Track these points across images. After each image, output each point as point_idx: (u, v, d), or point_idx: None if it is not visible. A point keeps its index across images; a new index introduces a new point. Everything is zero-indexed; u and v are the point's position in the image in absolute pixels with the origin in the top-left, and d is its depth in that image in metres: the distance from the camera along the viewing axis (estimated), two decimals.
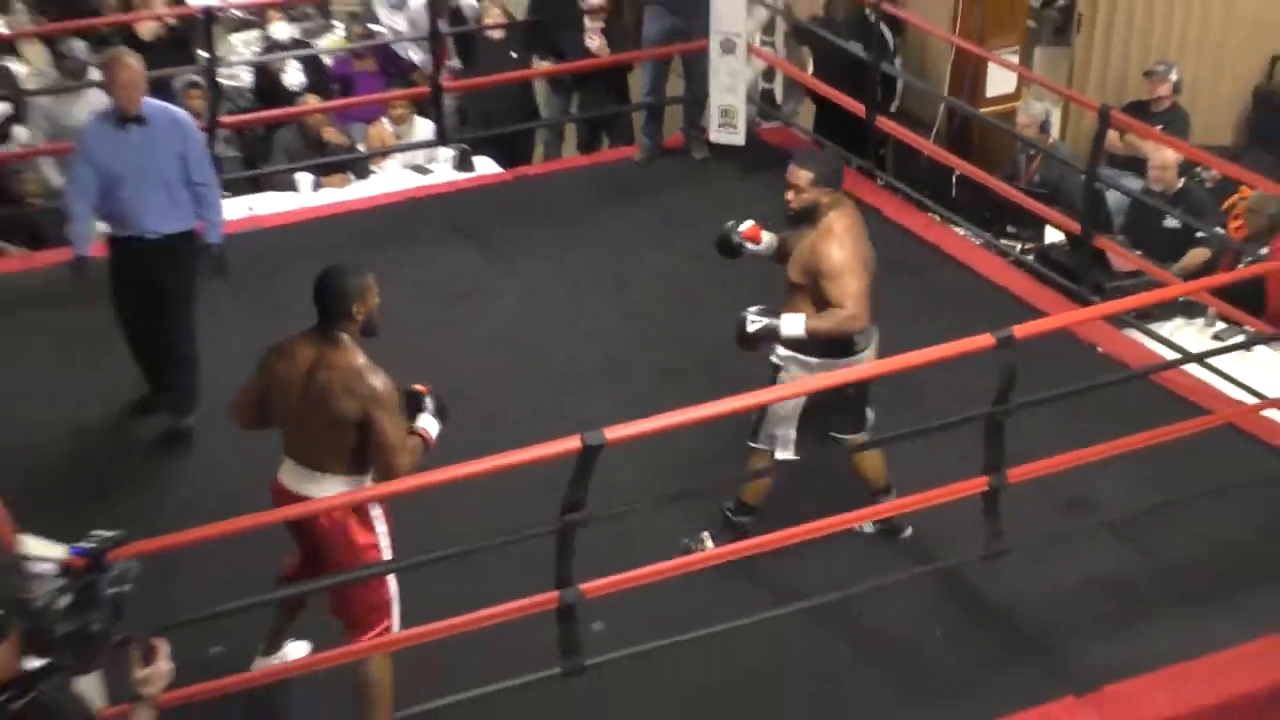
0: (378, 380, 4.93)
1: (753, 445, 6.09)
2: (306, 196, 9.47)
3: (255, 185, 9.76)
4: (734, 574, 5.75)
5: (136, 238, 6.74)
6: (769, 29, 9.91)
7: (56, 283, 8.01)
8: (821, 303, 5.83)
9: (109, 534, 3.95)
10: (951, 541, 6.09)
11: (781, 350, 5.99)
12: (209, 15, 9.01)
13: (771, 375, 6.06)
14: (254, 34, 11.97)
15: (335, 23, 12.36)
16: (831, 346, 5.87)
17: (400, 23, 11.66)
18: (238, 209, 9.09)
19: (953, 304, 7.85)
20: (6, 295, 8.12)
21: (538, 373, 7.02)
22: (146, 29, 10.31)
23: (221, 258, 6.97)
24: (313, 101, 9.99)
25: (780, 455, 6.01)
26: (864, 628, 5.90)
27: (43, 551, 4.20)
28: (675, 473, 6.28)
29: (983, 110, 9.29)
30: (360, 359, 4.99)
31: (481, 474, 4.99)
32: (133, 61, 6.66)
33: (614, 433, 5.00)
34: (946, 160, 8.78)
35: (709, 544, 6.15)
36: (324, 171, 9.69)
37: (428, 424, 5.15)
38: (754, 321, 5.90)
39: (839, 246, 5.81)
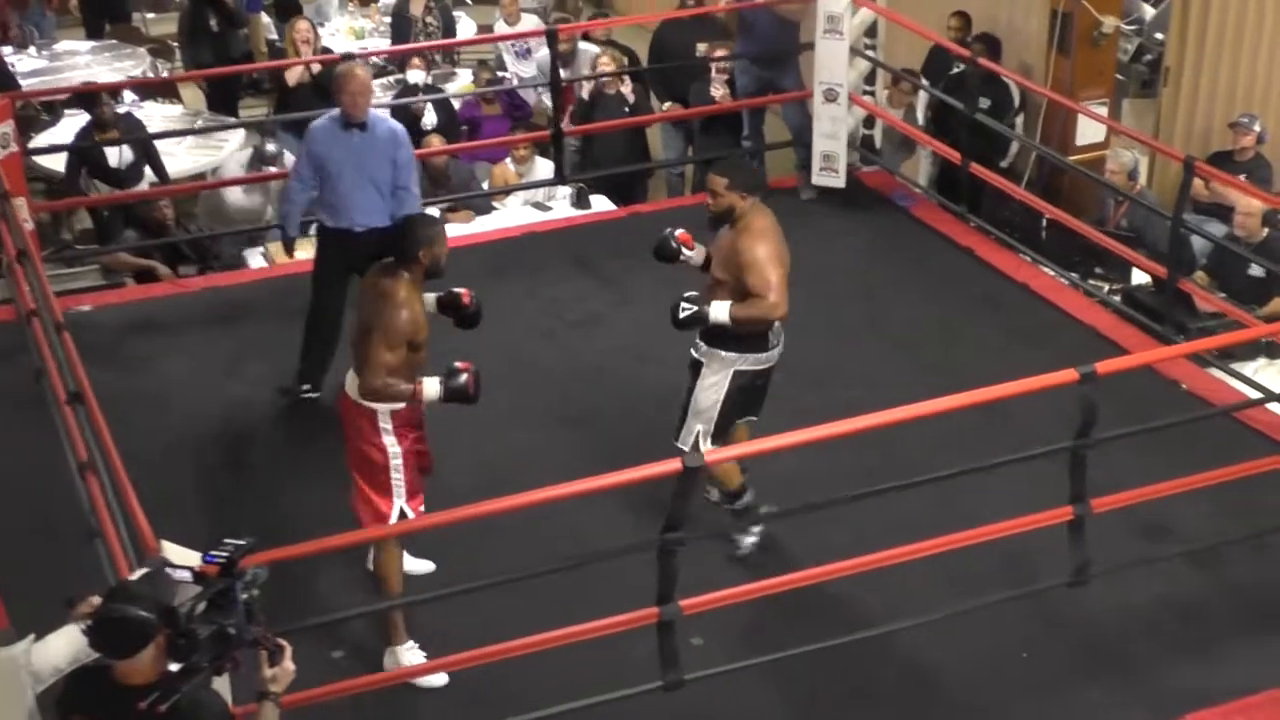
0: (395, 312, 5.29)
1: (678, 444, 6.02)
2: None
3: None
4: (823, 593, 5.62)
5: (346, 230, 7.06)
6: (870, 79, 9.81)
7: (195, 306, 8.17)
8: (743, 295, 5.87)
9: (240, 542, 3.96)
10: (1036, 564, 5.95)
11: (701, 345, 6.01)
12: (350, 59, 9.01)
13: (691, 369, 6.08)
14: (390, 79, 12.04)
15: (463, 70, 12.40)
16: (748, 341, 5.89)
17: (527, 70, 11.68)
18: None
19: (1040, 340, 7.71)
20: (151, 316, 8.17)
21: (648, 394, 6.95)
22: (291, 74, 10.40)
23: None
24: (436, 142, 10.00)
25: (705, 445, 5.97)
26: (950, 646, 5.76)
27: (181, 558, 4.20)
28: (771, 495, 6.17)
29: (1073, 159, 9.14)
30: (403, 293, 5.34)
31: (587, 492, 4.93)
32: (361, 73, 7.08)
33: (713, 455, 4.91)
34: (1037, 205, 8.63)
35: (747, 540, 6.17)
36: (450, 208, 9.70)
37: (428, 384, 5.38)
38: (685, 309, 5.94)
39: (759, 241, 5.84)
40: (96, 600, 3.90)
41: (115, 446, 5.17)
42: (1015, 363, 6.80)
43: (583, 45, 11.03)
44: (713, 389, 6.01)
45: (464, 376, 5.40)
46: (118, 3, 13.74)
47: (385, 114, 7.33)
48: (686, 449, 5.99)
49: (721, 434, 6.10)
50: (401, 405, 5.42)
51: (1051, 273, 8.48)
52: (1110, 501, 5.75)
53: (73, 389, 5.54)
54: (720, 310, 5.90)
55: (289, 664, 3.83)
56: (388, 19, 13.02)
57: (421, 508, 5.56)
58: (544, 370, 7.54)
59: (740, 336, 5.93)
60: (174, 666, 3.74)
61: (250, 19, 12.49)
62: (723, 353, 5.97)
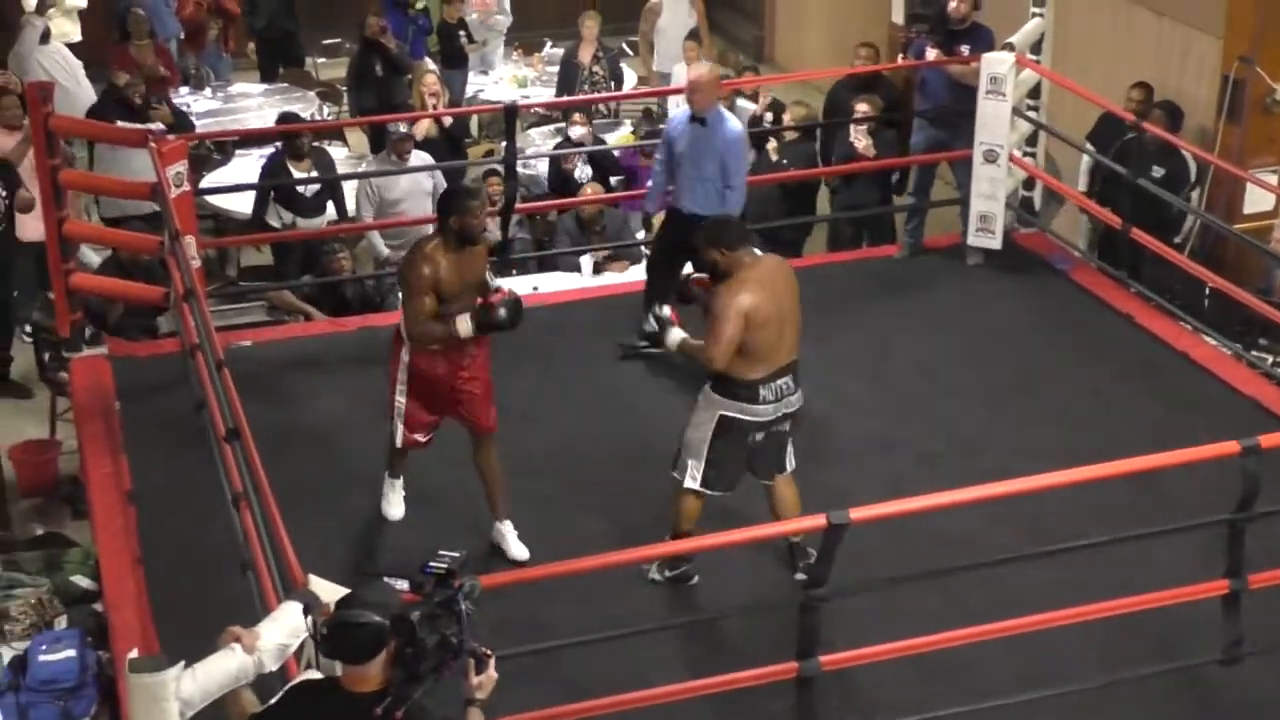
0: (416, 267, 6.09)
1: (674, 474, 6.22)
2: (587, 278, 9.57)
3: (541, 265, 9.90)
4: (966, 655, 5.55)
5: (678, 210, 7.86)
6: (1031, 140, 9.72)
7: (352, 345, 8.33)
8: None
9: (455, 554, 4.20)
10: (1190, 639, 5.82)
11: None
12: (512, 110, 9.19)
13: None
14: (549, 128, 12.20)
15: (625, 120, 12.53)
16: (736, 389, 6.01)
17: None
18: (524, 287, 9.25)
19: (1201, 410, 7.55)
20: (310, 353, 8.34)
21: (799, 445, 6.91)
22: (420, 127, 10.57)
23: None
24: (589, 191, 10.12)
25: (688, 485, 6.15)
26: (1095, 718, 5.63)
27: (327, 592, 4.28)
28: (918, 556, 6.11)
29: (1239, 227, 8.96)
30: (427, 250, 6.11)
31: (735, 543, 4.94)
32: (702, 72, 7.94)
33: (859, 513, 4.88)
34: (1200, 273, 8.46)
35: (654, 573, 6.30)
36: (606, 257, 9.79)
37: (461, 321, 6.12)
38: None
39: (733, 292, 5.95)
40: (239, 630, 4.02)
41: (269, 480, 5.28)
42: (1173, 433, 6.67)
43: (741, 102, 11.09)
44: (698, 426, 6.13)
45: (500, 311, 6.13)
46: (293, 47, 14.12)
47: (731, 116, 7.94)
48: (680, 478, 6.19)
49: (727, 483, 6.19)
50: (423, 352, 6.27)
51: (1213, 342, 8.31)
52: (1268, 578, 5.62)
53: (230, 425, 5.68)
54: (674, 336, 6.25)
55: (493, 672, 3.95)
56: (551, 68, 13.22)
57: (418, 437, 6.47)
58: (662, 413, 7.50)
59: (726, 382, 6.03)
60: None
61: (414, 65, 12.75)
62: (711, 393, 6.10)
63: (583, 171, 10.68)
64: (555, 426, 7.56)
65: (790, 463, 6.36)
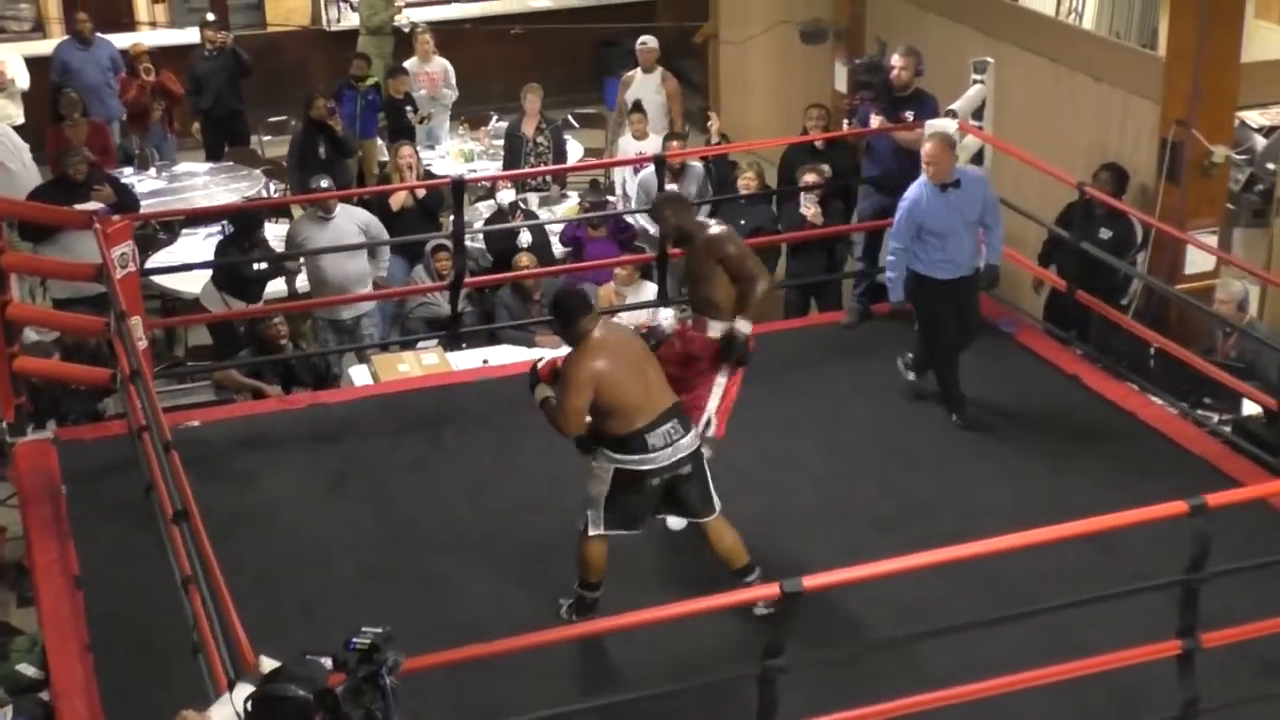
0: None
1: (577, 526, 6.40)
2: (536, 350, 9.57)
3: (490, 339, 9.91)
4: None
5: (944, 279, 8.08)
6: None
7: (302, 423, 8.29)
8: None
9: (378, 630, 4.17)
10: (1145, 699, 5.85)
11: (692, 431, 6.37)
12: (460, 184, 9.22)
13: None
14: (494, 202, 12.25)
15: (570, 192, 12.59)
16: (619, 443, 6.21)
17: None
18: (473, 360, 9.26)
19: (1149, 470, 7.59)
20: (259, 432, 8.30)
21: (752, 515, 6.92)
22: (395, 199, 10.61)
23: (995, 273, 8.29)
24: (525, 260, 10.15)
25: (591, 532, 6.32)
26: None
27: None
28: (874, 622, 6.11)
29: (1181, 288, 9.06)
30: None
31: (684, 615, 4.93)
32: (932, 146, 8.05)
33: (814, 581, 4.89)
34: (1144, 334, 8.55)
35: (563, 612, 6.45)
36: (539, 330, 9.81)
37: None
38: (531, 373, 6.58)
39: (573, 365, 6.19)
40: (190, 714, 4.02)
41: (219, 562, 5.24)
42: (1123, 494, 6.70)
43: (693, 164, 11.20)
44: (597, 481, 6.32)
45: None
46: (239, 125, 14.14)
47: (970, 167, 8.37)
48: (581, 528, 6.36)
49: (628, 522, 6.37)
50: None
51: (1160, 402, 8.38)
52: (1221, 636, 5.65)
53: (179, 507, 5.64)
54: (541, 390, 6.43)
55: None
56: (497, 141, 13.29)
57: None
58: None
59: (614, 440, 6.22)
60: None
61: (364, 144, 12.79)
62: (605, 450, 6.29)
63: (525, 237, 10.73)
64: (510, 498, 7.53)
65: (715, 504, 6.43)
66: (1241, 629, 5.71)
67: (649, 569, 6.82)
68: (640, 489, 6.28)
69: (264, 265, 10.12)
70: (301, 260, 10.14)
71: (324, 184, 10.31)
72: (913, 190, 8.10)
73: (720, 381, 6.92)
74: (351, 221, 10.15)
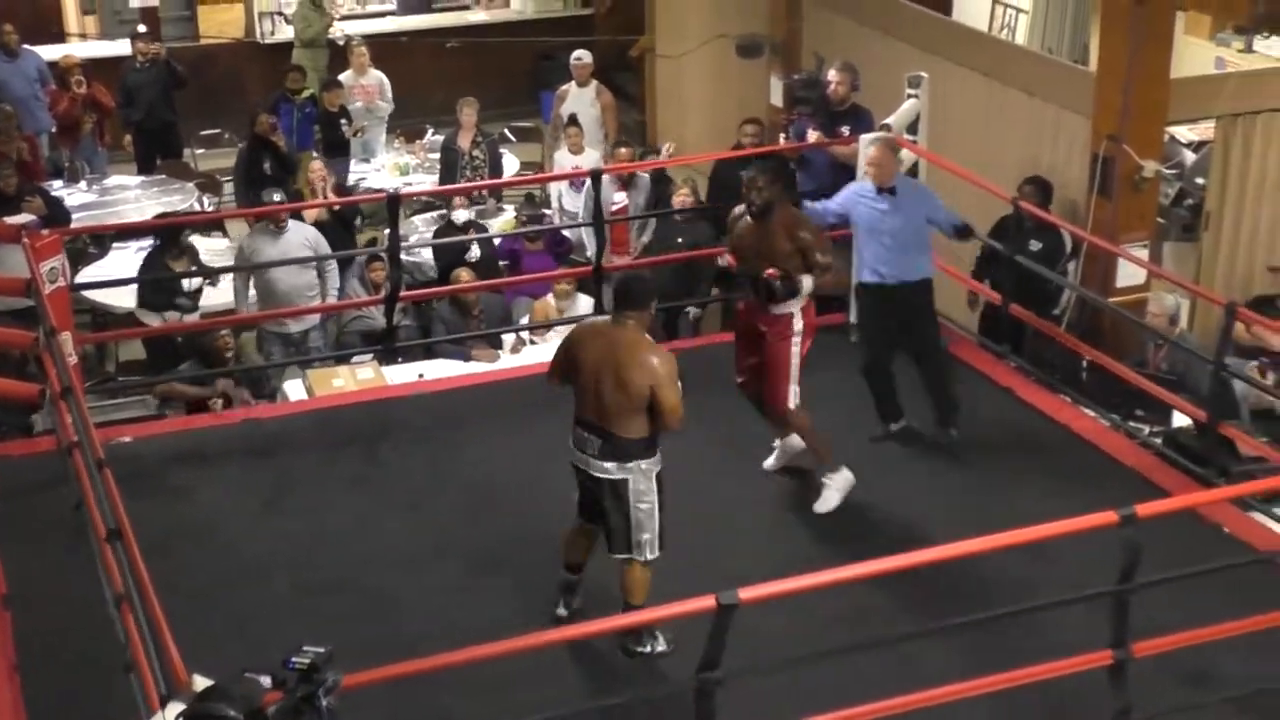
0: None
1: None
2: (472, 364, 9.59)
3: (427, 353, 9.90)
4: None
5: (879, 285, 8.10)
6: None
7: (236, 438, 8.26)
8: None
9: (319, 649, 4.16)
10: (1078, 709, 5.91)
11: (617, 463, 6.23)
12: (395, 198, 9.21)
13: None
14: (433, 215, 12.26)
15: (508, 205, 12.60)
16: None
17: (580, 202, 11.83)
18: (409, 375, 9.26)
19: (1081, 482, 7.68)
20: (192, 447, 8.26)
21: (689, 526, 6.94)
22: (309, 214, 10.61)
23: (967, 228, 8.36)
24: (465, 276, 10.16)
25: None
26: None
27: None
28: (803, 637, 6.16)
29: (1113, 300, 9.18)
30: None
31: (613, 630, 4.95)
32: (879, 150, 8.09)
33: (749, 593, 4.92)
34: (1076, 347, 8.65)
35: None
36: (475, 345, 9.82)
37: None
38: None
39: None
40: None
41: (152, 579, 5.21)
42: (1057, 505, 6.77)
43: (643, 176, 11.27)
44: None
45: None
46: (171, 138, 14.05)
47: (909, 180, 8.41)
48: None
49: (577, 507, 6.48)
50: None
51: (1092, 415, 8.48)
52: (1152, 646, 5.73)
53: (111, 525, 5.60)
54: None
55: None
56: (433, 154, 13.28)
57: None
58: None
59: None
60: None
61: (300, 156, 12.78)
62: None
63: (475, 252, 10.73)
64: (446, 513, 7.53)
65: (635, 548, 6.28)
66: (1170, 639, 5.78)
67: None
68: (580, 488, 6.41)
69: (194, 280, 10.08)
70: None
71: (276, 197, 10.32)
72: (857, 182, 8.37)
73: (795, 353, 7.23)
74: (301, 235, 10.16)
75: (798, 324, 7.27)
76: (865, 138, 9.08)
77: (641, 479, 6.22)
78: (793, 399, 7.32)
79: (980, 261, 9.77)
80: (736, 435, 8.06)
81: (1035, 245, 9.21)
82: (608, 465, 6.23)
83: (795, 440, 7.68)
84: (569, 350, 6.36)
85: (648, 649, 6.29)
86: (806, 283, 7.18)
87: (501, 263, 11.11)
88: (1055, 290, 9.40)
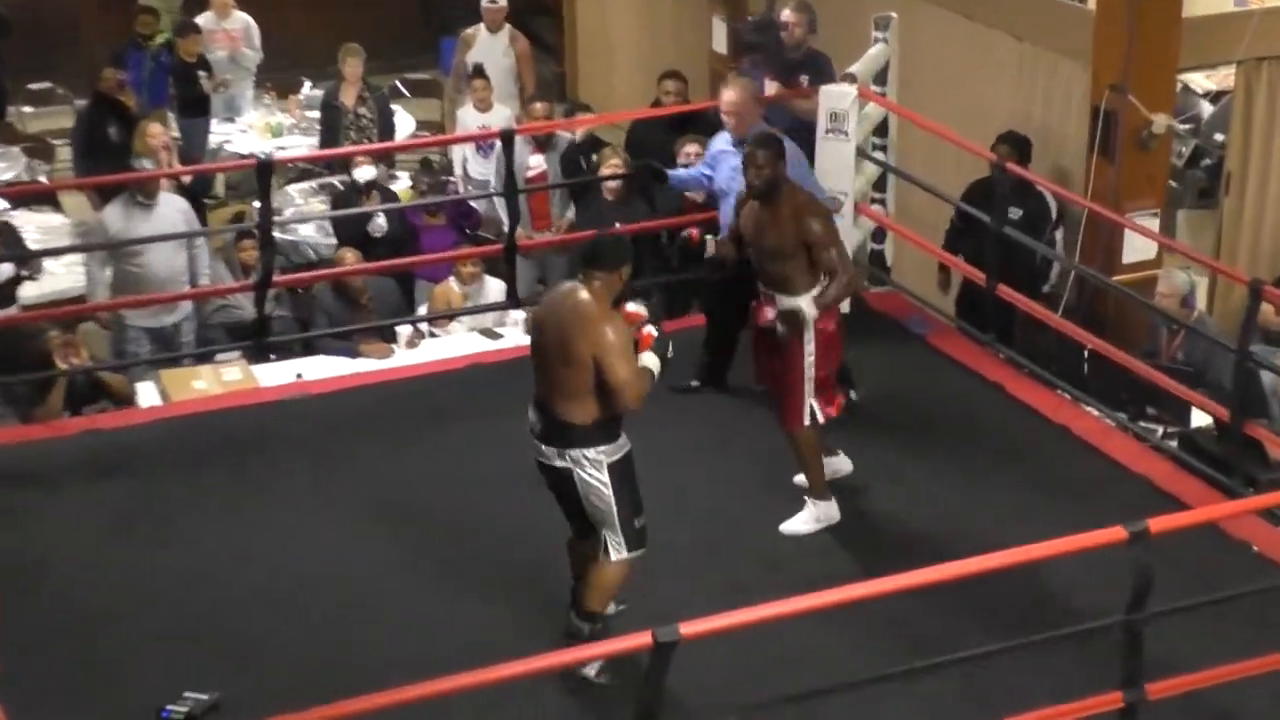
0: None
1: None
2: (360, 362, 9.54)
3: (306, 349, 9.85)
4: None
5: None
6: (880, 185, 9.93)
7: (73, 452, 8.17)
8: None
9: (202, 696, 4.41)
10: None
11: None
12: (266, 165, 9.13)
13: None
14: (314, 184, 12.19)
15: (400, 173, 12.55)
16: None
17: (487, 168, 11.79)
18: (285, 375, 9.20)
19: (1083, 493, 7.74)
20: (21, 464, 8.17)
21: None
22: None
23: None
24: (349, 258, 10.09)
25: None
26: None
27: None
28: (770, 674, 6.18)
29: (1118, 279, 9.23)
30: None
31: (548, 669, 4.95)
32: (734, 93, 8.30)
33: (692, 628, 4.92)
34: (1077, 335, 8.70)
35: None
36: (365, 339, 9.78)
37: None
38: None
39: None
40: None
41: None
42: (1053, 521, 6.82)
43: (565, 138, 11.26)
44: None
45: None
46: None
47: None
48: None
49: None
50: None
51: (1096, 414, 8.53)
52: (1168, 686, 5.76)
53: None
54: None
55: None
56: (311, 113, 13.21)
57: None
58: (500, 537, 7.51)
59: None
60: None
61: (153, 115, 12.63)
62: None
63: (381, 221, 10.67)
64: (327, 541, 7.49)
65: (601, 548, 6.42)
66: (1190, 677, 5.82)
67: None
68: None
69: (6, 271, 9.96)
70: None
71: (146, 164, 10.27)
72: (722, 133, 8.50)
73: (809, 362, 7.24)
74: (175, 209, 10.06)
75: (808, 329, 7.26)
76: (825, 90, 9.10)
77: (589, 469, 6.30)
78: (805, 416, 7.34)
79: (951, 234, 9.80)
80: (667, 444, 8.08)
81: (1015, 213, 9.23)
82: (547, 451, 6.37)
83: (837, 463, 7.84)
84: (535, 317, 6.60)
85: (590, 673, 6.31)
86: (806, 305, 7.16)
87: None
88: (1043, 265, 9.45)
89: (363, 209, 10.80)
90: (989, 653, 5.94)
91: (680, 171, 8.91)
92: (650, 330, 6.35)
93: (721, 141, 8.45)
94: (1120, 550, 5.53)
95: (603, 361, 6.12)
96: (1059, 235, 9.63)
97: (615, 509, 6.33)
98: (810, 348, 7.23)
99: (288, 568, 7.25)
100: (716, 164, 8.44)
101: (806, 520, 7.48)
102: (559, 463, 6.34)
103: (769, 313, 7.33)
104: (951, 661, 5.89)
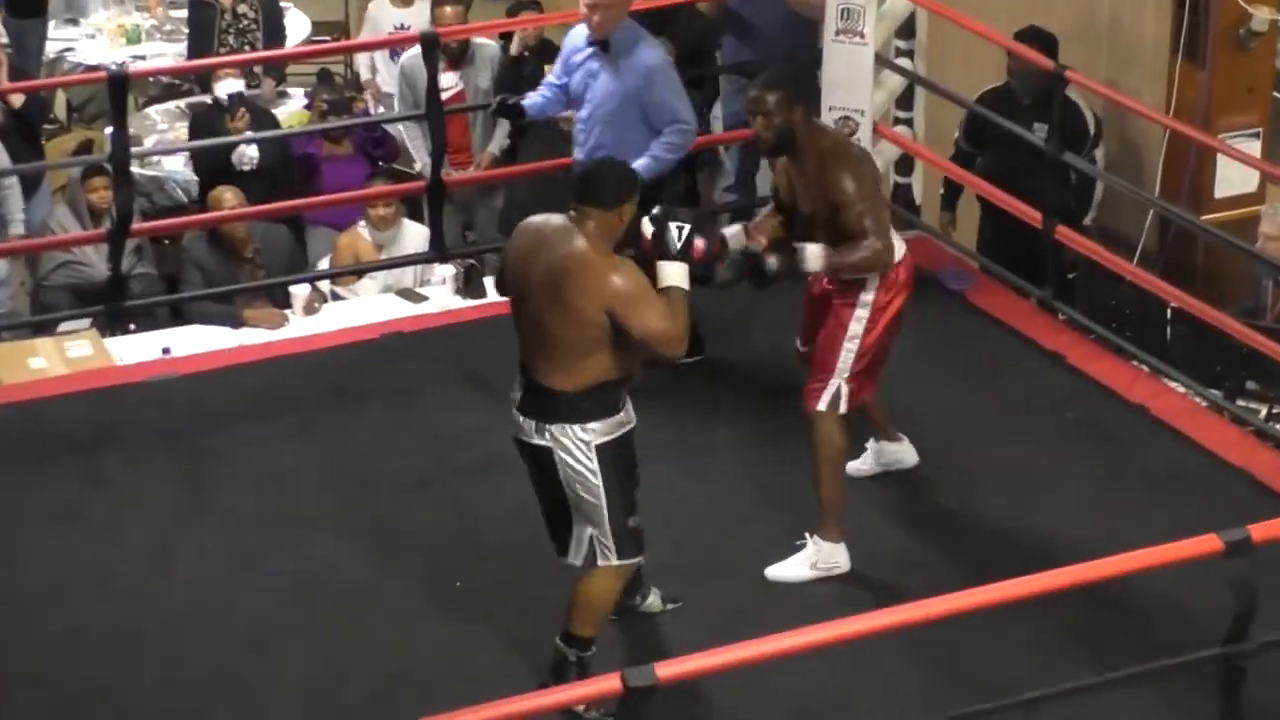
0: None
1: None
2: (245, 332, 9.51)
3: (177, 315, 9.82)
4: None
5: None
6: (905, 102, 9.92)
7: None
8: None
9: None
10: None
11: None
12: (120, 80, 9.06)
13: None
14: (179, 104, 12.16)
15: (293, 90, 12.52)
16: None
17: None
18: (149, 349, 9.17)
19: (1167, 489, 7.78)
20: None
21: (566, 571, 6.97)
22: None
23: None
24: (230, 199, 10.02)
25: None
26: None
27: None
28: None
29: (1209, 218, 9.24)
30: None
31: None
32: None
33: (670, 669, 4.93)
34: (1158, 290, 8.70)
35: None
36: (250, 302, 9.75)
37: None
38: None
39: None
40: None
41: None
42: (1128, 525, 6.85)
43: (485, 44, 11.20)
44: None
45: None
46: None
47: (650, 41, 8.49)
48: None
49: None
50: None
51: (1181, 390, 8.56)
52: None
53: None
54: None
55: None
56: (176, 12, 13.17)
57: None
58: (419, 540, 7.53)
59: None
60: None
61: None
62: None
63: (252, 151, 10.63)
64: (204, 560, 7.49)
65: (576, 548, 6.49)
66: None
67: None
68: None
69: None
70: None
71: None
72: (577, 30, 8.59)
73: (853, 336, 7.18)
74: None
75: (866, 294, 7.18)
76: None
77: (574, 450, 6.28)
78: (826, 397, 7.24)
79: (957, 159, 9.78)
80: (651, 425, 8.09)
81: (1040, 130, 9.18)
82: (525, 425, 6.37)
83: (900, 451, 7.93)
84: (505, 259, 6.51)
85: (580, 708, 6.30)
86: (812, 255, 7.01)
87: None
88: (1082, 191, 9.47)
89: (238, 138, 10.73)
90: (1049, 695, 5.95)
91: (533, 96, 8.78)
92: (700, 243, 6.39)
93: (574, 36, 8.52)
94: (1215, 563, 5.54)
95: (623, 315, 6.10)
96: (1099, 153, 9.57)
97: (605, 504, 6.32)
98: (860, 326, 7.17)
99: (154, 595, 7.24)
100: (569, 67, 8.50)
101: (800, 564, 7.31)
102: (538, 440, 6.32)
103: (825, 280, 7.29)
104: (1003, 708, 5.90)
